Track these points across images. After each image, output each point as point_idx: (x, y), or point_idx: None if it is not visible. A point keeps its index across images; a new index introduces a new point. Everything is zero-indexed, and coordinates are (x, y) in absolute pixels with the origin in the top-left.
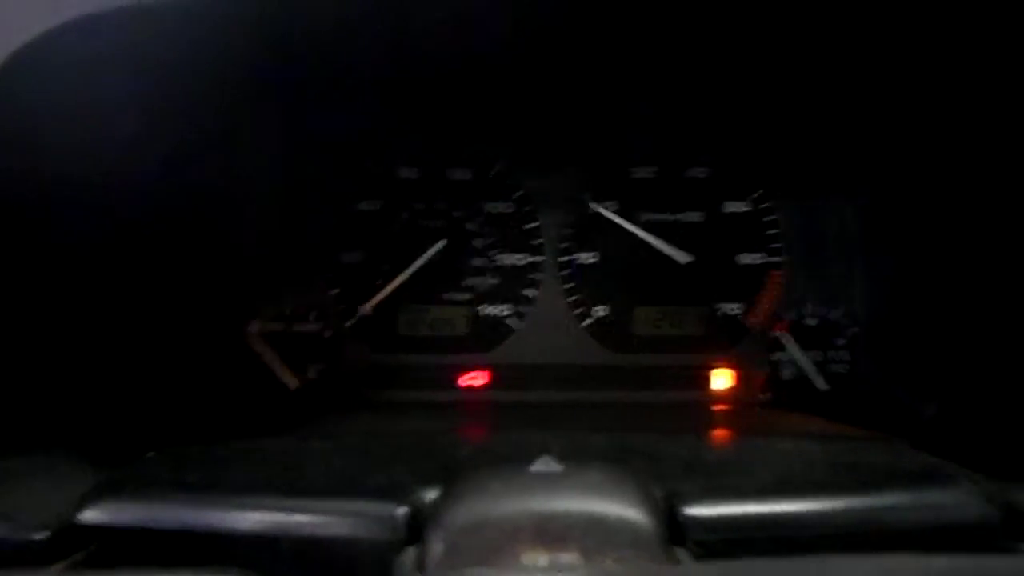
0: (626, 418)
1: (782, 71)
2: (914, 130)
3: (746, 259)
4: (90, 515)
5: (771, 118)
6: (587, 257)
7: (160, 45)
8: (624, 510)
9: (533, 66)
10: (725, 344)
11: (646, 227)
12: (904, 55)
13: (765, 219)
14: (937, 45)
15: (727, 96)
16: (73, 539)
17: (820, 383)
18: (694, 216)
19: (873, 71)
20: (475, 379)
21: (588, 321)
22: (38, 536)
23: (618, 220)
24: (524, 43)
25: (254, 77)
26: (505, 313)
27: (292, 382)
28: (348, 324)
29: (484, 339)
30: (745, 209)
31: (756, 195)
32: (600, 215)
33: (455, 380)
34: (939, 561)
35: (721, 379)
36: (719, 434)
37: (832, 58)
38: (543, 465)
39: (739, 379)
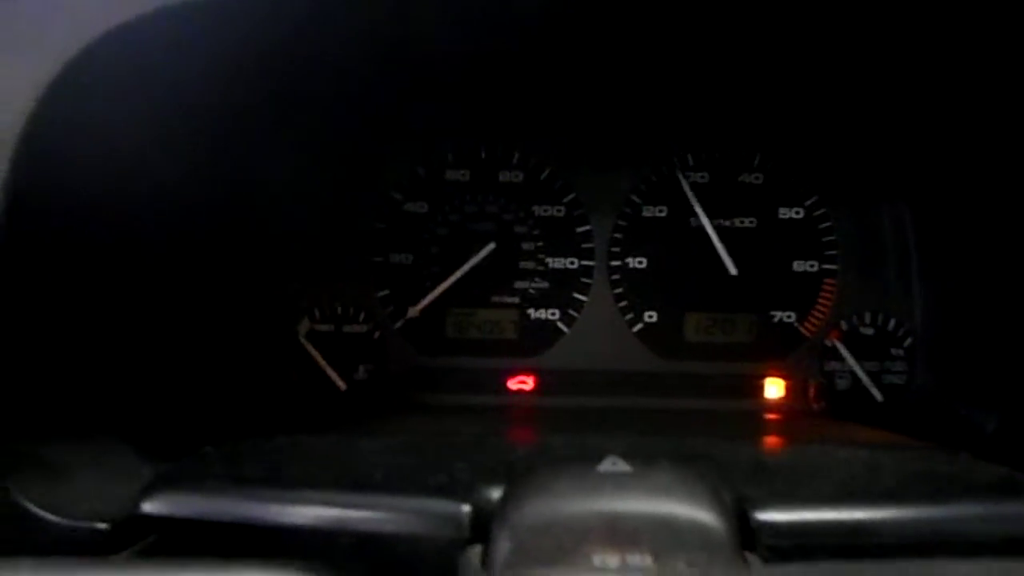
0: (676, 425)
1: (838, 75)
2: (974, 133)
3: (800, 266)
4: (151, 506)
5: (827, 123)
6: (637, 262)
7: (211, 45)
8: (695, 512)
9: (587, 69)
10: (778, 352)
11: (698, 233)
12: (965, 57)
13: (820, 226)
14: (1001, 48)
15: (782, 100)
16: (134, 530)
17: (876, 394)
18: (747, 222)
19: (932, 74)
20: (523, 383)
21: (638, 326)
22: (100, 526)
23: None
24: (578, 45)
25: (303, 79)
26: (554, 317)
27: (340, 383)
28: (396, 326)
29: (532, 343)
30: (799, 215)
31: (811, 201)
32: (651, 219)
33: (503, 384)
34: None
35: (774, 388)
36: (779, 441)
37: (889, 60)
38: (610, 465)
39: (792, 388)
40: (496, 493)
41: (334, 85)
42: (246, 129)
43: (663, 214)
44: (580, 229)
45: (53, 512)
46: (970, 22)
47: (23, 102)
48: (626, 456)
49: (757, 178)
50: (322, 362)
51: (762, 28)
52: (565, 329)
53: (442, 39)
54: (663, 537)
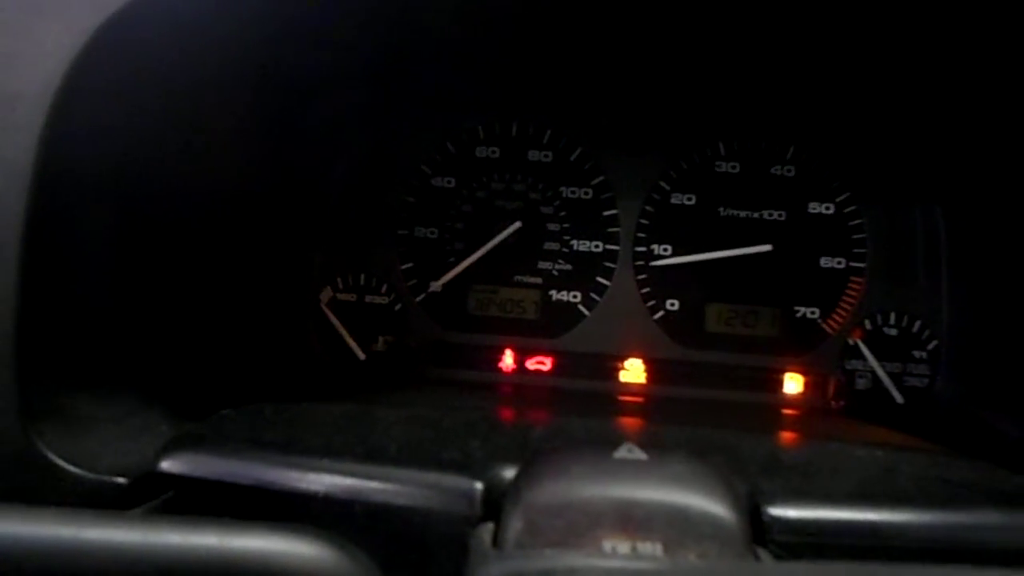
0: (693, 415)
1: (878, 72)
2: (1010, 140)
3: (827, 262)
4: (169, 464)
5: (864, 119)
6: (663, 249)
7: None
8: (708, 504)
9: (623, 52)
10: (799, 348)
11: (726, 223)
12: (1004, 63)
13: (850, 223)
14: None
15: (819, 94)
16: (151, 486)
17: (896, 396)
18: (776, 215)
19: (968, 75)
20: (541, 364)
21: (659, 314)
22: (118, 480)
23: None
24: (616, 27)
25: (336, 52)
26: (575, 300)
27: (360, 353)
28: (418, 299)
29: (553, 324)
30: (830, 211)
31: (842, 197)
32: (679, 207)
33: (521, 363)
34: None
35: (793, 383)
36: (796, 437)
37: (927, 60)
38: (626, 452)
39: (812, 385)
40: (509, 472)
41: (366, 56)
42: (277, 97)
43: (691, 202)
44: (607, 213)
45: (74, 464)
46: (1007, 23)
47: (60, 59)
48: (642, 444)
49: (789, 171)
50: (343, 331)
51: (804, 18)
52: (586, 312)
53: (479, 13)
54: (675, 527)
